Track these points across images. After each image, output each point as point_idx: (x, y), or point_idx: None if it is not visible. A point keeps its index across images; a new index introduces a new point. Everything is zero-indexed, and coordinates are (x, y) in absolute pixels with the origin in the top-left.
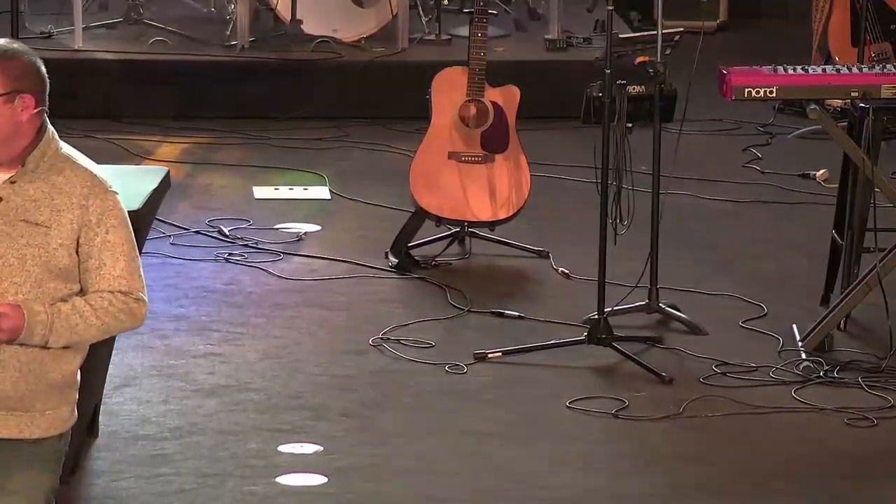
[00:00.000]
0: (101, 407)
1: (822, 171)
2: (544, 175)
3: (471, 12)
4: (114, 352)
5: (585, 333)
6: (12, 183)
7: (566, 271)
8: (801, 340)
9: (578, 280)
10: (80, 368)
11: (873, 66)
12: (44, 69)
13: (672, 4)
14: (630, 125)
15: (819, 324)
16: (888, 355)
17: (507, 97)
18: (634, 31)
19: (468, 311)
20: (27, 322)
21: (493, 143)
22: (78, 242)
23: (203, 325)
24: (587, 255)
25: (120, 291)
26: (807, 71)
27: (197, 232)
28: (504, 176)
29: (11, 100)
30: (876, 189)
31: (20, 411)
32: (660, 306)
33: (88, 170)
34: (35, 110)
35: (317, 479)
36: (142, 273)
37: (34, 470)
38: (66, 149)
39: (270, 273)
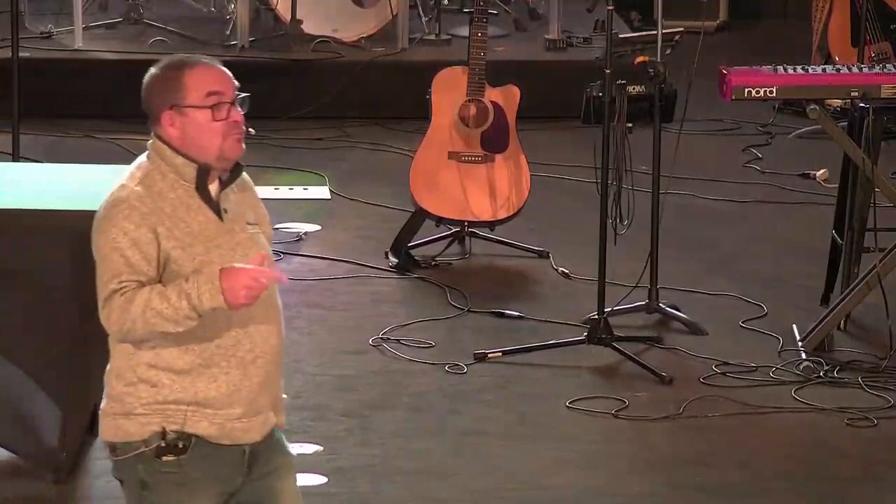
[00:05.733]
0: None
1: (822, 171)
2: (544, 175)
3: (471, 12)
4: None
5: (585, 333)
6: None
7: (566, 271)
8: (801, 340)
9: (578, 280)
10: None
11: (873, 66)
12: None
13: (672, 4)
14: (630, 125)
15: (819, 324)
16: (888, 355)
17: (507, 97)
18: (634, 31)
19: (468, 311)
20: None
21: (493, 143)
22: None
23: None
24: (587, 255)
25: None
26: (807, 71)
27: None
28: (504, 176)
29: None
30: (876, 189)
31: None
32: (660, 306)
33: None
34: None
35: (317, 479)
36: None
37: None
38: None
39: None
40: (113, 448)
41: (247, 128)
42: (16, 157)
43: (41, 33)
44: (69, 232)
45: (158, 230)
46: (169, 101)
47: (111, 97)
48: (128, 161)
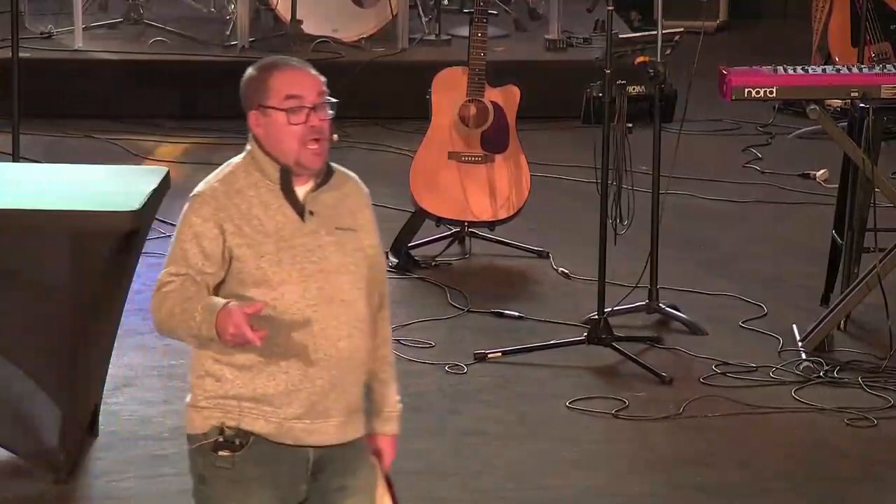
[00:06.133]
0: (101, 407)
1: (822, 171)
2: (544, 175)
3: (471, 12)
4: (114, 352)
5: (585, 333)
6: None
7: (566, 271)
8: (801, 340)
9: (578, 280)
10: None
11: (873, 66)
12: None
13: (672, 4)
14: (630, 125)
15: (819, 324)
16: (888, 355)
17: (507, 97)
18: (634, 31)
19: (468, 311)
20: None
21: (493, 143)
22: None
23: None
24: (587, 255)
25: None
26: (807, 71)
27: None
28: (504, 176)
29: None
30: (876, 189)
31: (361, 410)
32: (660, 306)
33: None
34: None
35: None
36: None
37: (370, 465)
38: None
39: None
40: (187, 438)
41: (332, 133)
42: (16, 157)
43: (41, 33)
44: (69, 232)
45: (225, 226)
46: (256, 101)
47: (111, 97)
48: (128, 161)
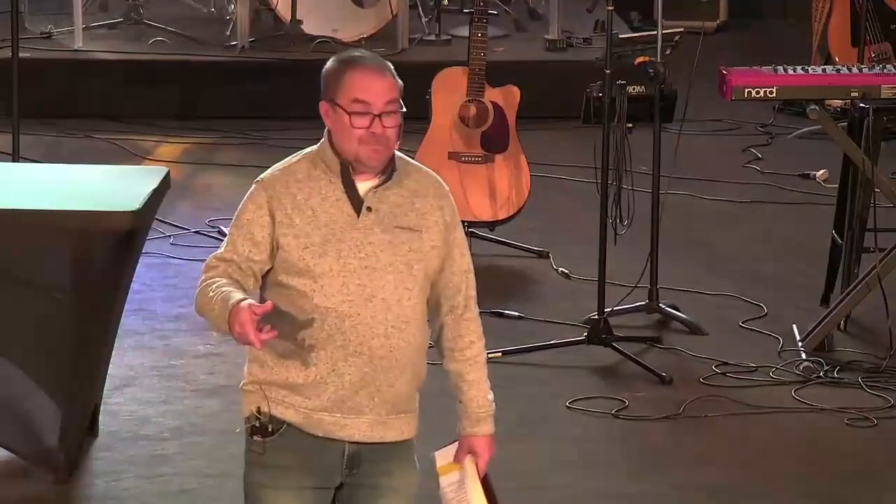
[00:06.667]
0: (101, 407)
1: (822, 171)
2: (544, 175)
3: (471, 13)
4: (114, 352)
5: (585, 333)
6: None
7: (566, 271)
8: (801, 340)
9: (578, 280)
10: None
11: (873, 66)
12: None
13: (672, 4)
14: (630, 125)
15: (819, 324)
16: (888, 355)
17: (507, 97)
18: (634, 31)
19: None
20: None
21: (493, 143)
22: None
23: (203, 325)
24: (587, 255)
25: None
26: (807, 71)
27: (197, 232)
28: (504, 176)
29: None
30: (876, 189)
31: (410, 413)
32: (660, 306)
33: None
34: None
35: None
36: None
37: (410, 468)
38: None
39: None
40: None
41: (398, 139)
42: (16, 157)
43: (41, 33)
44: (69, 232)
45: (276, 215)
46: (329, 94)
47: (111, 97)
48: (128, 161)
